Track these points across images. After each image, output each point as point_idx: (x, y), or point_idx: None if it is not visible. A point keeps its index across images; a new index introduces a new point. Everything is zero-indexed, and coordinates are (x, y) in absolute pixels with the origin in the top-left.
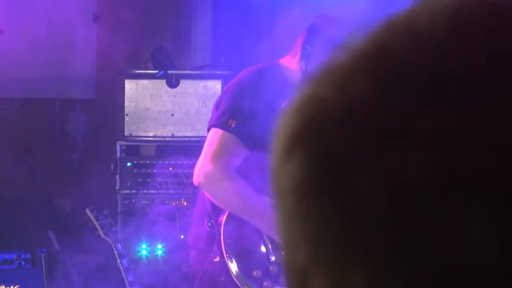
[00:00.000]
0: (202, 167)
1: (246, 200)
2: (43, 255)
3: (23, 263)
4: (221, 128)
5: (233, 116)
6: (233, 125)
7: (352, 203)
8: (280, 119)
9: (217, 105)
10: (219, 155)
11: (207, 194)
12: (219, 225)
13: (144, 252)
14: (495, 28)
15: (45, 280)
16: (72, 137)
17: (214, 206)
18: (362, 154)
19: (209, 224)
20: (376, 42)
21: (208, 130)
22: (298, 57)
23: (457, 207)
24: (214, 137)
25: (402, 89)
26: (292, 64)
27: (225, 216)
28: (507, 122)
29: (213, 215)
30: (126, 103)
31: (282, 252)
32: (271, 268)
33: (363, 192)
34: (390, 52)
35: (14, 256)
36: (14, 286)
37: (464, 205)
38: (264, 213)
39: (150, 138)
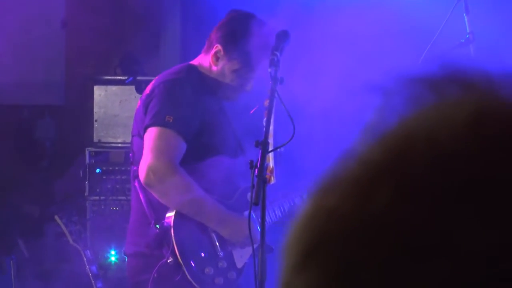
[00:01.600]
0: (147, 164)
1: (194, 194)
2: (11, 262)
3: None
4: (159, 126)
5: (169, 112)
6: (171, 120)
7: None
8: (290, 229)
9: (145, 109)
10: (162, 151)
11: (154, 193)
12: (169, 226)
13: (113, 258)
14: None
15: (13, 287)
16: (40, 144)
17: (156, 209)
18: (391, 272)
19: (157, 226)
20: (395, 154)
21: (145, 131)
22: (211, 52)
23: None
24: (153, 135)
25: (434, 205)
26: (204, 61)
27: (173, 217)
28: None
29: (159, 217)
30: (95, 109)
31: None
32: (220, 264)
33: None
34: (413, 165)
35: None
36: None
37: None
38: (210, 207)
39: (119, 144)
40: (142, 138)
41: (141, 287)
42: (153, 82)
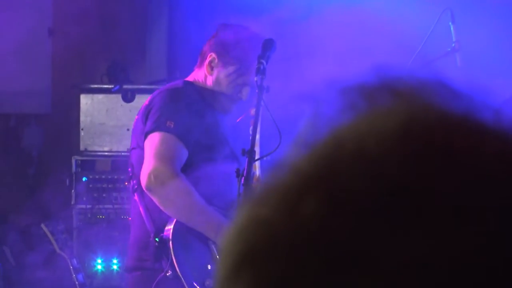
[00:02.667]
0: (148, 168)
1: (195, 202)
2: None
3: None
4: (160, 131)
5: (170, 118)
6: (172, 125)
7: None
8: (224, 239)
9: (144, 119)
10: (163, 155)
11: (155, 197)
12: (167, 239)
13: (99, 267)
14: (450, 149)
15: None
16: (27, 152)
17: (156, 222)
18: (318, 280)
19: (156, 240)
20: (324, 163)
21: (146, 138)
22: (206, 63)
23: None
24: (154, 140)
25: (360, 213)
26: (199, 75)
27: (171, 230)
28: (492, 247)
29: (158, 230)
30: (82, 118)
31: None
32: None
33: None
34: (341, 175)
35: None
36: None
37: None
38: (210, 218)
39: (106, 153)
40: (142, 149)
41: None
42: (151, 95)
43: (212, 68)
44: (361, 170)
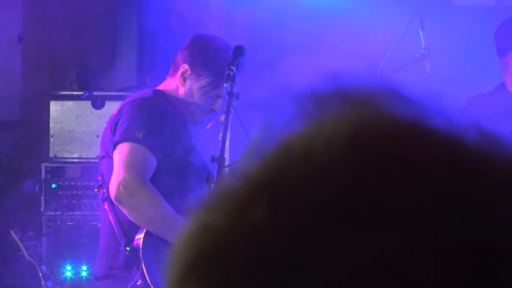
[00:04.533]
0: (117, 179)
1: (163, 211)
2: None
3: None
4: (129, 141)
5: (138, 128)
6: (140, 136)
7: None
8: (174, 246)
9: (113, 128)
10: (132, 166)
11: (124, 208)
12: (138, 249)
13: (68, 273)
14: (397, 154)
15: None
16: None
17: (126, 231)
18: (267, 284)
19: (127, 249)
20: (273, 169)
21: (115, 148)
22: (178, 74)
23: None
24: (123, 151)
25: (307, 216)
26: (170, 85)
27: (141, 239)
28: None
29: (129, 239)
30: (51, 125)
31: None
32: None
33: None
34: (289, 180)
35: None
36: None
37: None
38: (179, 227)
39: (75, 160)
40: (111, 158)
41: None
42: (120, 104)
43: (184, 79)
44: (309, 175)
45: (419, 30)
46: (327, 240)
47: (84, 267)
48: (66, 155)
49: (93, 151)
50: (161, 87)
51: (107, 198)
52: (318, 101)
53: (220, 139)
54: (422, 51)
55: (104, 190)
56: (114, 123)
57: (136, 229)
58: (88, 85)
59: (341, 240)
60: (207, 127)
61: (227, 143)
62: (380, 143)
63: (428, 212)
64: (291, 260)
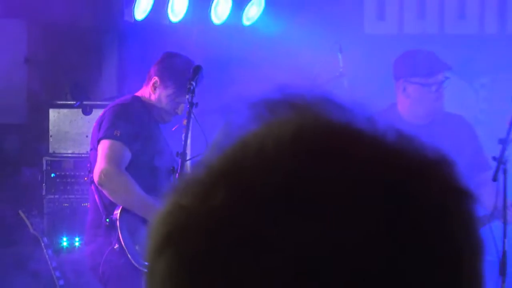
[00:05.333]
0: (100, 168)
1: (135, 193)
2: None
3: None
4: (109, 138)
5: (117, 128)
6: (118, 134)
7: None
8: (152, 223)
9: (98, 127)
10: (112, 158)
11: (105, 190)
12: (115, 219)
13: (65, 243)
14: (332, 150)
15: None
16: (7, 154)
17: (107, 207)
18: (218, 257)
19: (107, 220)
20: (232, 161)
21: (98, 143)
22: (150, 84)
23: None
24: (105, 146)
25: (259, 201)
26: (145, 92)
27: (118, 213)
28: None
29: (109, 213)
30: (50, 127)
31: None
32: None
33: None
34: (244, 170)
35: None
36: None
37: None
38: (147, 204)
39: (69, 155)
40: (97, 150)
41: (96, 269)
42: (105, 108)
43: (155, 89)
44: (261, 166)
45: (338, 53)
46: (273, 218)
47: (76, 238)
48: (62, 151)
49: (84, 148)
50: (139, 93)
51: (93, 182)
52: (269, 107)
53: (183, 138)
54: (340, 70)
55: (91, 175)
56: (99, 123)
57: (114, 206)
58: (80, 96)
59: (286, 222)
60: (173, 129)
61: (189, 141)
62: (318, 140)
63: (358, 193)
64: (243, 234)
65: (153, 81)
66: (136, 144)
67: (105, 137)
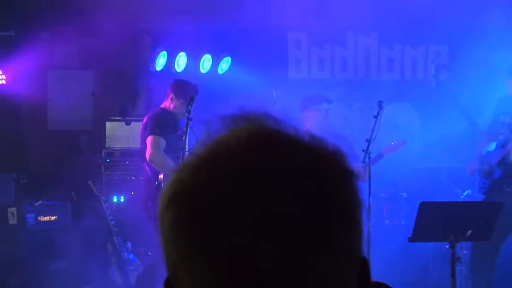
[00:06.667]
0: (149, 152)
1: (169, 164)
2: (69, 204)
3: (59, 205)
4: (154, 134)
5: (157, 127)
6: (158, 131)
7: (190, 236)
8: (163, 188)
9: (145, 128)
10: (155, 146)
11: (153, 164)
12: (161, 180)
13: (115, 200)
14: (273, 148)
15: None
16: (82, 151)
17: (155, 175)
18: (198, 215)
19: (156, 182)
20: (210, 152)
21: (147, 138)
22: (169, 98)
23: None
24: (150, 139)
25: (226, 178)
26: (166, 104)
27: (162, 176)
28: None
29: (156, 178)
30: (107, 132)
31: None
32: None
33: (201, 233)
34: (218, 158)
35: (55, 202)
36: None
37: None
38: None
39: (117, 148)
40: (145, 143)
41: (148, 209)
42: (146, 116)
43: (172, 100)
44: (228, 155)
45: (273, 89)
46: (236, 186)
47: (122, 197)
48: (113, 146)
49: (125, 145)
50: (163, 105)
51: (145, 160)
52: (232, 119)
53: (184, 138)
54: (274, 99)
55: (144, 157)
56: (145, 126)
57: (158, 173)
58: (124, 114)
59: (243, 185)
60: (178, 133)
61: (187, 141)
62: (263, 140)
63: (289, 171)
64: (217, 200)
65: (170, 96)
66: (167, 136)
67: (150, 133)
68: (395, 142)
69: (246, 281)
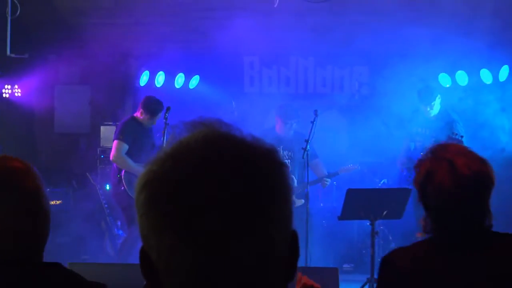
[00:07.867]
0: (112, 154)
1: (131, 165)
2: (70, 191)
3: (63, 191)
4: (117, 140)
5: (123, 133)
6: (122, 137)
7: (158, 212)
8: (140, 177)
9: (115, 133)
10: (117, 149)
11: (116, 164)
12: (121, 175)
13: (108, 187)
14: (224, 146)
15: (72, 200)
16: (81, 150)
17: (119, 170)
18: (164, 196)
19: (118, 176)
20: (175, 149)
21: (113, 141)
22: (140, 111)
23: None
24: (114, 143)
25: (186, 168)
26: (138, 114)
27: (123, 172)
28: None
29: (119, 172)
30: (101, 135)
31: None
32: None
33: (165, 209)
34: (179, 153)
35: (59, 189)
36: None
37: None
38: (135, 168)
39: (110, 147)
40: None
41: (116, 199)
42: (119, 122)
43: (141, 114)
44: (188, 152)
45: (233, 101)
46: (191, 174)
47: (108, 187)
48: (106, 145)
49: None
50: (134, 114)
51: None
52: (192, 124)
53: (162, 140)
54: (233, 109)
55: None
56: (115, 131)
57: (121, 170)
58: (115, 119)
59: (197, 174)
60: (157, 135)
61: (164, 143)
62: (215, 139)
63: (233, 163)
64: (177, 183)
65: (140, 110)
66: (133, 140)
67: (115, 138)
68: (351, 165)
69: (196, 241)
